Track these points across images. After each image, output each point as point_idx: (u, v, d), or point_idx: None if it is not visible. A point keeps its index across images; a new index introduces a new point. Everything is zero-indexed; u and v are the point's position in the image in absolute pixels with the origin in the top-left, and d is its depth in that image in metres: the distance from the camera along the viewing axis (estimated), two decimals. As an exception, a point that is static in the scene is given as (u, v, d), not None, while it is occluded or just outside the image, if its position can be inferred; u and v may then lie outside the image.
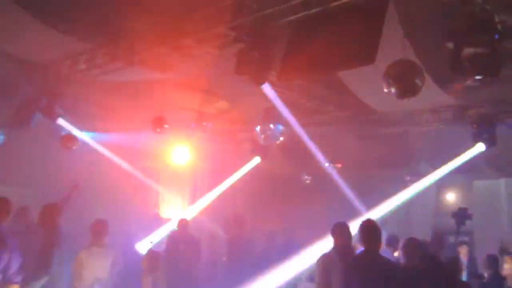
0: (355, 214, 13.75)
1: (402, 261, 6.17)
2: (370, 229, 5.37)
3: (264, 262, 8.52)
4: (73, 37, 7.72)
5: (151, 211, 12.55)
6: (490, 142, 9.17)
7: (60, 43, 7.89)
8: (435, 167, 12.44)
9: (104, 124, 11.94)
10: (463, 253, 9.57)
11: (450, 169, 11.91)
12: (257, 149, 11.83)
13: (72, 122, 10.94)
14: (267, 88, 9.23)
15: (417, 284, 5.40)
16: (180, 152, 12.90)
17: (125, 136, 11.94)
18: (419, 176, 13.26)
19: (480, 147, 9.48)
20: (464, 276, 9.26)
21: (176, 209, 14.38)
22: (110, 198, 12.32)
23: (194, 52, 7.86)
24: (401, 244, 7.35)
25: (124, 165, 13.36)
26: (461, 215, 7.86)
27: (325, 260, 5.86)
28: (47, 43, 7.96)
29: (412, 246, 6.00)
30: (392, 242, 8.16)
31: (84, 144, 11.26)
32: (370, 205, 14.99)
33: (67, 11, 6.92)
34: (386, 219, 11.80)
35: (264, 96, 9.87)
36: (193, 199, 14.75)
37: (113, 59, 7.95)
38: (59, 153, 11.03)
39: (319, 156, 13.39)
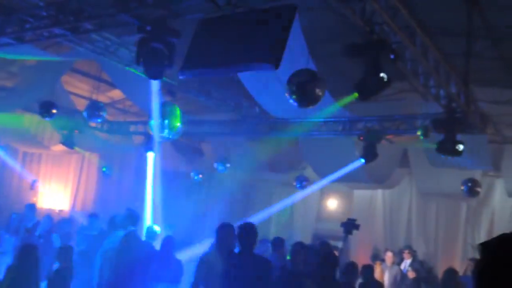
0: (243, 213, 14.00)
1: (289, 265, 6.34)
2: (247, 230, 5.48)
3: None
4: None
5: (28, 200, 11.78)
6: (372, 156, 9.74)
7: None
8: (320, 174, 13.01)
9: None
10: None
11: (334, 177, 12.53)
12: (150, 143, 11.56)
13: None
14: (157, 84, 9.06)
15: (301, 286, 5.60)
16: (67, 139, 12.24)
17: (7, 117, 11.13)
18: (305, 181, 13.78)
19: (360, 161, 10.11)
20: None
21: (58, 199, 13.67)
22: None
23: (93, 37, 7.53)
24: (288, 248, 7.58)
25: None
26: (350, 225, 8.24)
27: (205, 259, 5.91)
28: None
29: (298, 251, 6.18)
30: (278, 244, 8.33)
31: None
32: (257, 207, 15.34)
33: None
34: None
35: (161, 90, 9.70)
36: (77, 190, 14.13)
37: (0, 34, 7.33)
38: None
39: (211, 155, 13.45)
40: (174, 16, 6.01)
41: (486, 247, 1.84)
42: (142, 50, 6.14)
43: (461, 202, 13.03)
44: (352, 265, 6.63)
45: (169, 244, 8.28)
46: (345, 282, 6.26)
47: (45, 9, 6.82)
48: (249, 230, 5.48)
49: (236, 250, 5.70)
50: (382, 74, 5.08)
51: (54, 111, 9.86)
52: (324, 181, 12.62)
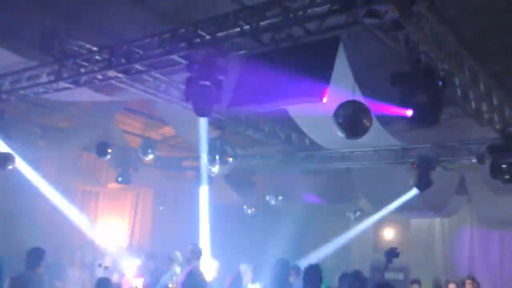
0: (296, 248, 13.85)
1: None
2: (312, 273, 5.41)
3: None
4: (16, 53, 7.48)
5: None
6: (426, 184, 9.48)
7: (2, 59, 7.61)
8: (375, 204, 12.74)
9: (44, 144, 11.54)
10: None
11: (389, 207, 12.24)
12: (202, 178, 11.73)
13: (9, 140, 10.52)
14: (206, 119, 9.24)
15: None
16: (123, 176, 12.58)
17: (66, 156, 11.59)
18: (359, 212, 13.54)
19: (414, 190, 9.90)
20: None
21: (115, 236, 13.97)
22: (43, 221, 11.86)
23: (144, 77, 7.79)
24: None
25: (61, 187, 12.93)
26: (390, 253, 8.19)
27: None
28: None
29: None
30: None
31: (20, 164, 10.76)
32: (311, 240, 15.15)
33: (11, 26, 6.71)
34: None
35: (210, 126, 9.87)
36: (133, 226, 14.42)
37: (58, 79, 7.71)
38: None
39: (262, 188, 13.44)
40: (221, 54, 6.14)
41: None
42: (190, 88, 6.29)
43: (527, 230, 12.41)
44: None
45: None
46: None
47: (98, 53, 7.13)
48: (315, 274, 5.39)
49: None
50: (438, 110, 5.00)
51: (110, 150, 10.22)
52: (380, 210, 12.39)
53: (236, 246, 14.50)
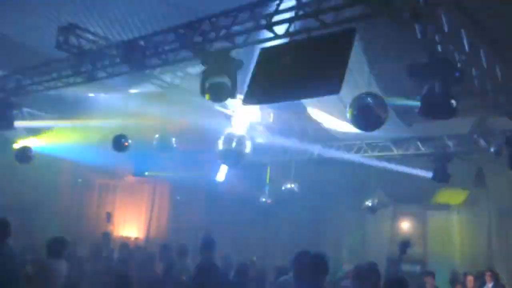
0: (313, 237, 13.87)
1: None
2: (317, 263, 5.38)
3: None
4: (36, 50, 7.59)
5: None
6: (443, 175, 9.42)
7: (22, 55, 7.73)
8: (392, 196, 12.68)
9: (60, 137, 11.66)
10: (429, 283, 9.69)
11: (406, 198, 12.19)
12: (219, 170, 11.79)
13: (27, 133, 10.68)
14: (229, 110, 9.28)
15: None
16: (140, 168, 12.69)
17: (83, 150, 11.71)
18: (375, 203, 13.47)
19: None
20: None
21: (133, 227, 14.12)
22: (62, 213, 12.02)
23: (159, 71, 7.83)
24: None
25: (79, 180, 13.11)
26: (404, 245, 8.18)
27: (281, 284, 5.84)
28: (7, 53, 7.79)
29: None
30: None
31: (37, 157, 10.91)
32: (327, 230, 15.14)
33: (29, 23, 6.81)
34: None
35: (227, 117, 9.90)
36: (150, 218, 14.54)
37: (76, 73, 7.79)
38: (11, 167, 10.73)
39: (279, 179, 13.45)
40: (236, 47, 6.14)
41: None
42: (205, 81, 6.30)
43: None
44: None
45: (244, 272, 8.28)
46: None
47: (114, 49, 7.17)
48: (319, 263, 5.35)
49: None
50: (452, 101, 4.90)
51: (127, 143, 10.24)
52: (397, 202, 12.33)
53: (250, 238, 14.56)
